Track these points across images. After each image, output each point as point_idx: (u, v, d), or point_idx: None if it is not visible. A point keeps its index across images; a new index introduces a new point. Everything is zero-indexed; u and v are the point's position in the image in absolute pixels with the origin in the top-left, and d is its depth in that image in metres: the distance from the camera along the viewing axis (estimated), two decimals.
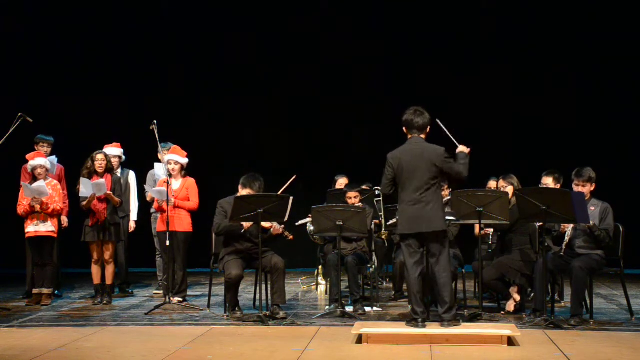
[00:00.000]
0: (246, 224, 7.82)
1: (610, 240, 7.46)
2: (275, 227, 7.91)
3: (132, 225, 9.73)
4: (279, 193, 8.02)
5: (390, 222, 8.79)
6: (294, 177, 8.48)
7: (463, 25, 12.45)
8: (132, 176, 9.82)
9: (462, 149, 6.99)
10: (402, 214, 6.92)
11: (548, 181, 8.05)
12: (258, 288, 7.85)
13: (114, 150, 9.47)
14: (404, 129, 7.00)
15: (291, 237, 8.10)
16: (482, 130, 11.94)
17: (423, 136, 6.95)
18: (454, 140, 7.11)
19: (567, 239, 7.52)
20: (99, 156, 8.76)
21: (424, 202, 6.80)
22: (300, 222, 8.99)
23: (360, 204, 8.31)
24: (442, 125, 7.20)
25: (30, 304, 8.72)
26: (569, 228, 7.50)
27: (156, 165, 9.47)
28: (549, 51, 12.29)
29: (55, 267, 9.06)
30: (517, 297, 7.97)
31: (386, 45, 12.58)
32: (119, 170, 9.59)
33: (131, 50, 12.69)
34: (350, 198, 8.35)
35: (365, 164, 11.66)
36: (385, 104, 12.18)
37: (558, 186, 7.98)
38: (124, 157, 9.71)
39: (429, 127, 6.97)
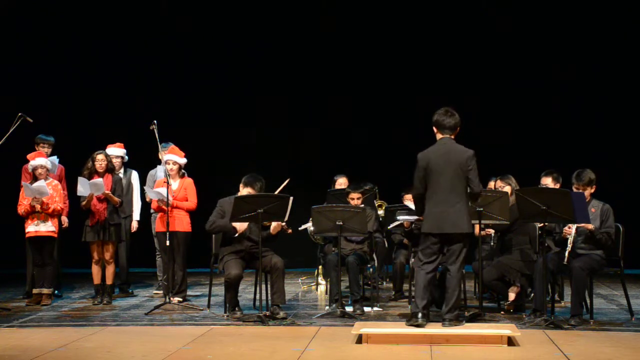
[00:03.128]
0: (240, 228, 7.82)
1: (613, 242, 7.44)
2: (274, 224, 7.90)
3: (134, 225, 9.72)
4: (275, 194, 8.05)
5: (392, 225, 8.79)
6: (287, 180, 8.50)
7: (463, 24, 12.44)
8: (134, 176, 9.80)
9: None
10: (429, 214, 6.93)
11: (547, 181, 8.05)
12: (258, 288, 7.85)
13: (116, 151, 9.44)
14: (434, 129, 7.05)
15: (290, 230, 8.10)
16: (482, 130, 11.94)
17: (453, 136, 7.00)
18: None
19: (569, 246, 7.41)
20: (100, 156, 8.75)
21: (450, 203, 6.82)
22: (304, 226, 8.94)
23: (362, 204, 8.31)
24: None
25: (30, 304, 8.71)
26: (571, 235, 7.41)
27: (159, 166, 9.45)
28: (549, 50, 12.29)
29: (56, 267, 9.05)
30: (512, 296, 7.96)
31: (386, 45, 12.58)
32: (122, 170, 9.59)
33: (131, 49, 12.68)
34: (354, 199, 8.35)
35: (365, 164, 11.69)
36: (386, 104, 12.18)
37: (557, 186, 7.98)
38: (126, 157, 9.70)
39: (459, 127, 7.00)
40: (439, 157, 6.89)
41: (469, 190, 6.92)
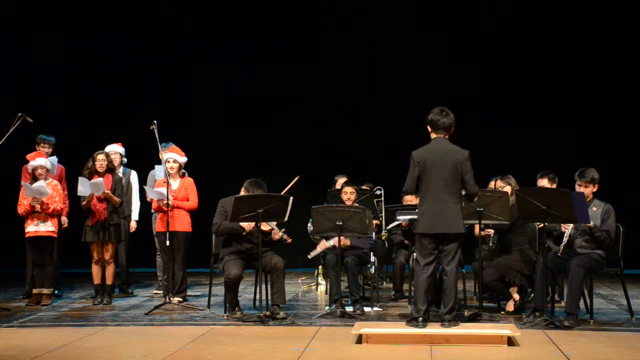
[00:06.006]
0: (247, 227, 7.82)
1: (611, 241, 7.44)
2: (275, 231, 7.91)
3: (133, 225, 9.71)
4: (283, 193, 8.03)
5: (391, 225, 8.79)
6: (297, 178, 8.46)
7: (462, 24, 12.45)
8: (134, 176, 9.80)
9: None
10: (423, 213, 6.91)
11: (543, 182, 8.05)
12: (258, 288, 7.86)
13: (114, 147, 9.42)
14: (428, 128, 7.02)
15: (289, 240, 8.09)
16: (482, 130, 11.94)
17: (447, 136, 6.98)
18: None
19: (565, 239, 7.48)
20: (100, 156, 8.75)
21: (446, 203, 6.81)
22: (313, 253, 8.69)
23: (355, 203, 8.30)
24: None
25: (30, 304, 8.72)
26: (568, 229, 7.48)
27: (157, 166, 9.45)
28: (549, 51, 12.30)
29: (55, 267, 9.05)
30: (517, 297, 7.96)
31: (386, 45, 12.58)
32: (121, 170, 9.58)
33: (131, 49, 12.69)
34: (346, 193, 8.35)
35: (365, 164, 11.69)
36: (386, 103, 12.18)
37: (554, 186, 7.99)
38: (125, 159, 9.69)
39: (453, 127, 6.99)
40: (435, 156, 6.86)
41: (464, 192, 6.92)
